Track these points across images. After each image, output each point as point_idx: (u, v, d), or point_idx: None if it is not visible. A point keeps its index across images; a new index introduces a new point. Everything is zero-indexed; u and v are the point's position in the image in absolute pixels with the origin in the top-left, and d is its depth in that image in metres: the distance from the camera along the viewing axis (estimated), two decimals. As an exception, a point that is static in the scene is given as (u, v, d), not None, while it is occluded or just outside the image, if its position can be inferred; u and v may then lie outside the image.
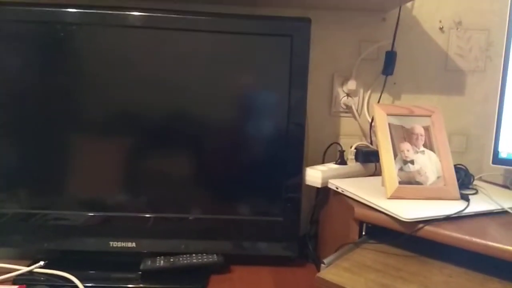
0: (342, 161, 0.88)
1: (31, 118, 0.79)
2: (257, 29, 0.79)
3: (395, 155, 0.72)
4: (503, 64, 0.82)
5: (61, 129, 0.80)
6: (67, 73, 0.78)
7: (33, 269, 0.78)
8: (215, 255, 0.82)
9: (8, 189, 0.81)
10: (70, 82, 0.79)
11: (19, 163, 0.80)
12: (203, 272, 0.81)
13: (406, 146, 0.73)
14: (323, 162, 0.94)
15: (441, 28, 0.99)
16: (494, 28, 0.99)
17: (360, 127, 1.00)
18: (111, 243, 0.82)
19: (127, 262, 0.82)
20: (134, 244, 0.82)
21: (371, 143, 0.98)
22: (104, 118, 0.80)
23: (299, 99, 0.81)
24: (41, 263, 0.80)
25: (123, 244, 0.82)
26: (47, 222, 0.81)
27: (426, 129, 0.75)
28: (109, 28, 0.78)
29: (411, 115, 0.76)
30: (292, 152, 0.82)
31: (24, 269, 0.78)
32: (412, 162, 0.72)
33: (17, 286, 0.68)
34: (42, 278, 0.77)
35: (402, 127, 0.75)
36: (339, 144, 0.96)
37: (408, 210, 0.64)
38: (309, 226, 0.95)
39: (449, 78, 1.00)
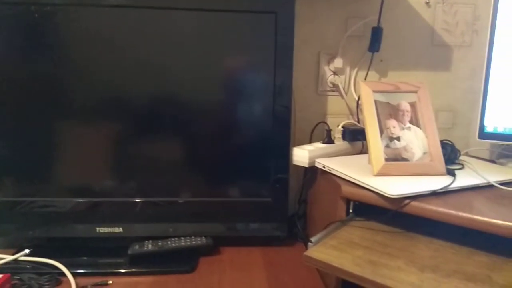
0: (329, 140, 0.87)
1: (14, 104, 0.77)
2: (240, 5, 0.77)
3: (381, 132, 0.72)
4: (489, 39, 0.81)
5: (46, 114, 0.78)
6: (51, 57, 0.76)
7: (18, 257, 0.77)
8: (204, 237, 0.81)
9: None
10: (54, 66, 0.76)
11: (3, 150, 0.78)
12: (192, 254, 0.81)
13: (392, 122, 0.73)
14: (310, 141, 0.93)
15: (427, 3, 0.97)
16: (480, 2, 0.98)
17: (347, 105, 0.99)
18: (98, 228, 0.81)
19: (115, 247, 0.81)
20: (121, 229, 0.81)
21: (358, 121, 0.97)
22: (89, 102, 0.78)
23: (284, 78, 0.80)
24: (26, 251, 0.79)
25: (111, 230, 0.81)
26: (33, 209, 0.80)
27: (412, 105, 0.75)
28: (88, 8, 0.75)
29: (397, 91, 0.75)
30: (279, 132, 0.81)
31: (9, 257, 0.77)
32: (398, 138, 0.72)
33: (1, 275, 0.67)
34: (28, 266, 0.76)
35: (388, 103, 0.74)
36: (326, 123, 0.95)
37: (394, 186, 0.63)
38: (297, 206, 0.95)
39: (435, 53, 0.99)
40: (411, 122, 0.73)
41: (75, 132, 0.79)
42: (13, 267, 0.76)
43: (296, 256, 0.83)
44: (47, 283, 0.70)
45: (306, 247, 0.62)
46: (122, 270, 0.76)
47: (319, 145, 0.86)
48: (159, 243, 0.79)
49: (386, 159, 0.70)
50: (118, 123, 0.79)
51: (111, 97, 0.78)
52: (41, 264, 0.76)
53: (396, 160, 0.71)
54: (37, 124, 0.78)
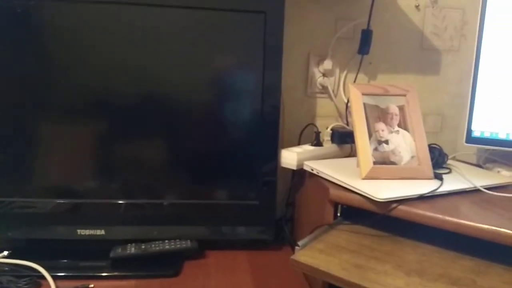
0: (318, 143, 0.87)
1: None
2: (229, 4, 0.76)
3: (370, 135, 0.71)
4: (477, 44, 0.82)
5: (27, 112, 0.75)
6: (32, 54, 0.74)
7: (-5, 259, 0.75)
8: (188, 240, 0.80)
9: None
10: (36, 63, 0.74)
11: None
12: (177, 258, 0.79)
13: (380, 126, 0.72)
14: (299, 143, 0.92)
15: (417, 6, 0.97)
16: (468, 7, 0.98)
17: (336, 107, 0.99)
18: (79, 230, 0.79)
19: (96, 250, 0.79)
20: (103, 232, 0.79)
21: (347, 124, 0.97)
22: (71, 101, 0.76)
23: (273, 79, 0.79)
24: (5, 252, 0.77)
25: (92, 232, 0.79)
26: (12, 210, 0.78)
27: (401, 108, 0.74)
28: (74, 4, 0.73)
29: (386, 94, 0.74)
30: (267, 134, 0.80)
31: (-14, 260, 0.75)
32: (386, 142, 0.71)
33: (-23, 278, 0.65)
34: (6, 269, 0.74)
35: (377, 106, 0.74)
36: (315, 125, 0.94)
37: (382, 190, 0.63)
38: (285, 209, 0.94)
39: (424, 57, 1.00)
40: (399, 125, 0.73)
41: (57, 131, 0.77)
42: (-10, 270, 0.73)
43: (283, 260, 0.82)
44: (26, 286, 0.68)
45: (293, 251, 0.61)
46: (104, 274, 0.74)
47: (307, 148, 0.85)
48: (143, 246, 0.77)
49: (374, 162, 0.69)
50: (101, 122, 0.78)
51: (94, 96, 0.76)
52: (20, 266, 0.74)
53: (384, 163, 0.70)
54: (18, 122, 0.76)
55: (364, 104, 0.73)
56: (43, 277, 0.71)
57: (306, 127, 0.94)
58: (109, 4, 0.73)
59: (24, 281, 0.69)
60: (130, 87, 0.77)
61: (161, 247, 0.77)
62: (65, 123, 0.77)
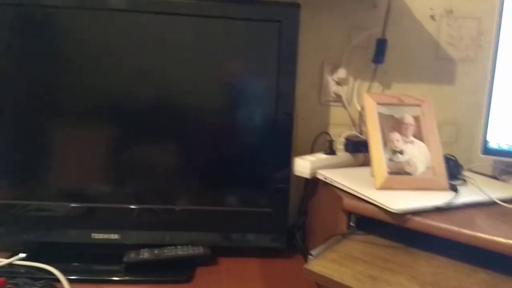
0: (331, 151, 0.87)
1: (11, 106, 0.76)
2: (244, 14, 0.76)
3: (385, 145, 0.71)
4: (493, 53, 0.81)
5: (43, 117, 0.77)
6: (48, 59, 0.75)
7: (12, 261, 0.76)
8: (201, 246, 0.80)
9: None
10: (51, 69, 0.76)
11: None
12: (189, 264, 0.79)
13: (395, 136, 0.72)
14: (312, 151, 0.92)
15: (432, 16, 0.97)
16: (485, 16, 0.98)
17: (350, 116, 0.98)
18: (93, 234, 0.79)
19: (110, 254, 0.79)
20: (117, 236, 0.80)
21: (360, 132, 0.97)
22: (86, 106, 0.77)
23: (288, 87, 0.79)
24: (21, 255, 0.77)
25: (106, 236, 0.80)
26: (27, 213, 0.79)
27: (416, 118, 0.74)
28: (90, 12, 0.74)
29: (401, 104, 0.74)
30: (280, 141, 0.81)
31: (4, 261, 0.76)
32: (401, 152, 0.71)
33: (-4, 279, 0.66)
34: (22, 271, 0.75)
35: (392, 116, 0.73)
36: (328, 133, 0.94)
37: (397, 201, 0.62)
38: (296, 217, 0.94)
39: (440, 67, 0.99)
40: (414, 136, 0.73)
41: (72, 136, 0.78)
42: (7, 271, 0.74)
43: (294, 268, 0.82)
44: (41, 289, 0.69)
45: (305, 260, 0.61)
46: (117, 278, 0.75)
47: (321, 156, 0.85)
48: (155, 251, 0.78)
49: (389, 173, 0.69)
50: (116, 128, 0.79)
51: (109, 102, 0.78)
52: (35, 269, 0.75)
53: (399, 174, 0.70)
54: (35, 127, 0.77)
55: (379, 114, 0.73)
56: (57, 280, 0.72)
57: (319, 135, 0.94)
58: (126, 12, 0.75)
59: (40, 283, 0.70)
60: (146, 94, 0.78)
61: (173, 253, 0.78)
62: (81, 129, 0.78)
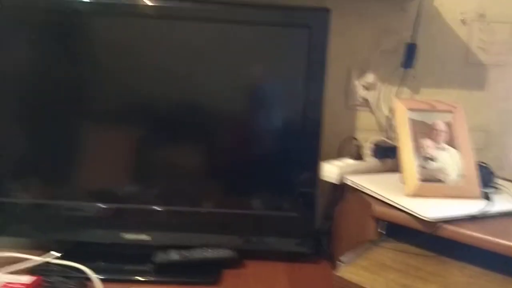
0: (359, 156, 0.86)
1: (44, 108, 0.78)
2: (274, 19, 0.77)
3: (416, 152, 0.70)
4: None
5: (74, 119, 0.79)
6: (79, 63, 0.77)
7: (47, 259, 0.78)
8: (228, 249, 0.81)
9: (21, 179, 0.80)
10: (82, 72, 0.77)
11: (32, 153, 0.80)
12: (216, 266, 0.80)
13: (427, 142, 0.71)
14: (338, 156, 0.92)
15: (463, 20, 0.95)
16: (518, 20, 0.95)
17: (377, 121, 0.98)
18: (124, 235, 0.81)
19: (139, 255, 0.81)
20: (147, 237, 0.81)
21: (388, 138, 0.95)
22: (116, 108, 0.79)
23: (316, 92, 0.79)
24: (56, 254, 0.79)
25: (137, 237, 0.81)
26: (59, 212, 0.81)
27: (448, 125, 0.73)
28: (120, 18, 0.76)
29: (432, 110, 0.73)
30: (308, 146, 0.80)
31: (39, 259, 0.78)
32: (433, 159, 0.70)
33: (33, 277, 0.68)
34: (55, 269, 0.77)
35: (423, 122, 0.72)
36: (355, 138, 0.94)
37: (430, 209, 0.62)
38: (322, 222, 0.94)
39: (470, 72, 0.97)
40: (446, 142, 0.72)
41: (102, 138, 0.80)
42: (42, 269, 0.76)
43: (321, 274, 0.82)
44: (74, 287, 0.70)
45: (332, 266, 0.61)
46: (146, 278, 0.76)
47: (348, 161, 0.84)
48: (184, 253, 0.79)
49: (420, 180, 0.68)
50: (144, 130, 0.80)
51: (140, 104, 0.79)
52: (68, 267, 0.77)
53: (431, 181, 0.69)
54: (65, 128, 0.79)
55: (410, 120, 0.72)
56: (89, 279, 0.73)
57: (346, 140, 0.94)
58: (156, 18, 0.76)
59: (73, 282, 0.71)
60: (175, 98, 0.79)
61: (201, 255, 0.78)
62: (110, 131, 0.80)
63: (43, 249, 0.83)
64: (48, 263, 0.78)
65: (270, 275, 0.80)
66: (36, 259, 0.78)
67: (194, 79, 0.78)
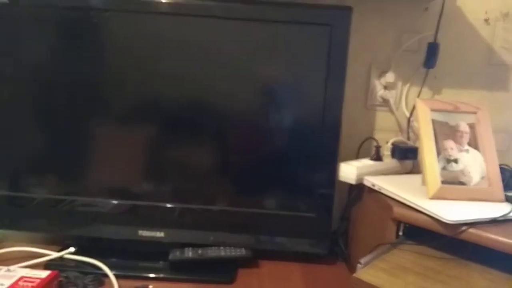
0: (378, 157, 0.85)
1: (60, 105, 0.79)
2: (295, 17, 0.76)
3: (438, 153, 0.69)
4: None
5: (91, 116, 0.79)
6: (95, 61, 0.77)
7: (63, 254, 0.79)
8: (243, 248, 0.80)
9: (37, 175, 0.81)
10: (97, 70, 0.78)
11: (48, 149, 0.80)
12: (231, 265, 0.80)
13: (450, 144, 0.69)
14: (357, 157, 0.90)
15: (486, 20, 0.93)
16: (544, 20, 0.93)
17: (397, 121, 0.96)
18: (140, 232, 0.81)
19: (155, 252, 0.81)
20: (162, 234, 0.81)
21: (408, 138, 0.94)
22: (131, 106, 0.79)
23: (336, 91, 0.78)
24: (72, 249, 0.80)
25: (153, 234, 0.81)
26: (75, 208, 0.81)
27: (471, 126, 0.71)
28: (135, 15, 0.76)
29: (456, 111, 0.72)
30: (327, 146, 0.79)
31: (55, 254, 0.79)
32: (455, 161, 0.69)
33: (49, 272, 0.68)
34: (71, 264, 0.77)
35: (446, 123, 0.71)
36: (374, 139, 0.92)
37: (452, 211, 0.60)
38: (339, 223, 0.92)
39: (493, 72, 0.95)
40: (469, 144, 0.70)
41: (117, 135, 0.80)
42: (58, 264, 0.77)
43: (337, 275, 0.81)
44: (91, 283, 0.71)
45: (348, 267, 0.59)
46: (162, 275, 0.76)
47: (367, 162, 0.83)
48: (199, 251, 0.79)
49: (443, 182, 0.67)
50: (159, 128, 0.80)
51: (154, 103, 0.79)
52: (84, 262, 0.77)
53: (453, 183, 0.67)
54: (82, 125, 0.79)
55: (433, 121, 0.70)
56: (105, 275, 0.74)
57: (365, 140, 0.92)
58: (174, 15, 0.75)
59: (90, 277, 0.72)
60: (191, 96, 0.78)
61: (217, 254, 0.78)
62: (125, 128, 0.79)
63: (58, 244, 0.84)
64: (63, 258, 0.78)
65: (285, 275, 0.80)
66: (51, 254, 0.79)
67: (212, 77, 0.78)
